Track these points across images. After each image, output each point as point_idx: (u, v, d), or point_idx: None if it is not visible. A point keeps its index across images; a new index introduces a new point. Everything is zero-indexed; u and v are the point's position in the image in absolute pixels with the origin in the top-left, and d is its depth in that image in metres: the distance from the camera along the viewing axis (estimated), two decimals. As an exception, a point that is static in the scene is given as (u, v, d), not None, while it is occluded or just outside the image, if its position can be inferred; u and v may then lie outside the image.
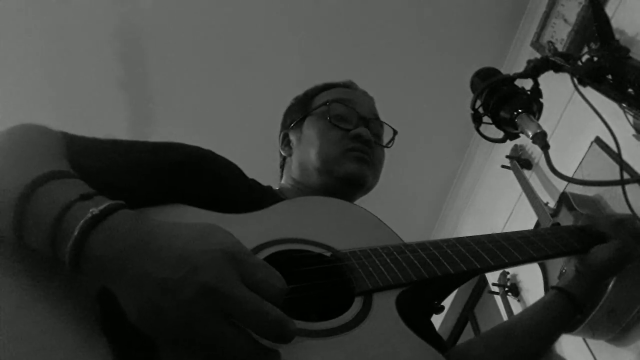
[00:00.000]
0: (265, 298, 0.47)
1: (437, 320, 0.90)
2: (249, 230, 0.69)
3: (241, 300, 0.46)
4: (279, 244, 0.69)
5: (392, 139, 1.09)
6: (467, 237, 0.81)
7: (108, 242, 0.49)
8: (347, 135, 0.97)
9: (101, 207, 0.50)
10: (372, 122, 1.03)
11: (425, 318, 0.85)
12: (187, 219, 0.68)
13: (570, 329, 0.89)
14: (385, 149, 1.07)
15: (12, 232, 0.54)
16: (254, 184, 0.90)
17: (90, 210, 0.50)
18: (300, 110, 1.07)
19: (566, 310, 0.86)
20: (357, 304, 0.62)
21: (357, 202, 0.97)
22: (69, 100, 2.49)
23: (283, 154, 1.08)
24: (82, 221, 0.49)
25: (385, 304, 0.63)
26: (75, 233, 0.49)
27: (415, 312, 0.70)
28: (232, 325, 0.46)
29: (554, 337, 0.88)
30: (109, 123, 2.58)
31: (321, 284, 0.66)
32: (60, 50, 2.41)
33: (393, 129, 1.09)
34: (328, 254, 0.70)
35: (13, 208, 0.53)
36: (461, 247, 0.77)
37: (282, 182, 1.07)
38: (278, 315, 0.46)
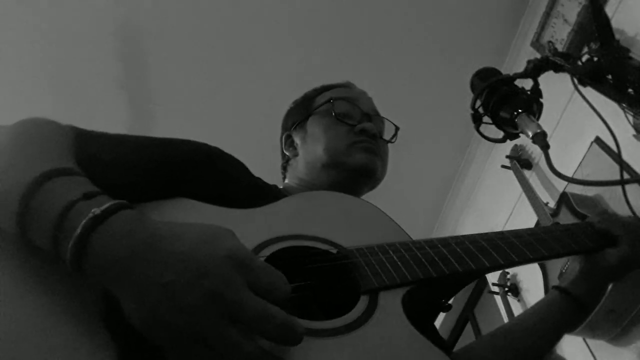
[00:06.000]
0: (271, 301, 0.47)
1: (437, 320, 0.88)
2: (254, 226, 0.69)
3: (248, 305, 0.46)
4: (283, 240, 0.67)
5: (395, 134, 1.09)
6: (476, 234, 0.78)
7: (110, 243, 0.48)
8: (353, 130, 0.98)
9: (103, 207, 0.50)
10: (374, 118, 1.04)
11: (431, 317, 0.84)
12: (191, 213, 0.68)
13: (570, 328, 0.88)
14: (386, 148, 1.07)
15: (17, 227, 0.53)
16: (260, 182, 0.89)
17: (92, 210, 0.49)
18: (302, 111, 1.07)
19: (568, 310, 0.86)
20: (362, 303, 0.61)
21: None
22: (68, 100, 2.49)
23: (287, 154, 1.07)
24: (83, 221, 0.49)
25: (391, 302, 0.62)
26: (77, 232, 0.48)
27: (422, 310, 0.69)
28: (238, 329, 0.45)
29: (556, 337, 0.88)
30: (109, 123, 2.57)
31: (326, 281, 0.65)
32: (60, 50, 2.41)
33: (395, 124, 1.10)
34: (334, 251, 0.69)
35: (17, 204, 0.52)
36: (469, 245, 0.75)
37: (287, 182, 1.07)
38: (285, 318, 0.46)
